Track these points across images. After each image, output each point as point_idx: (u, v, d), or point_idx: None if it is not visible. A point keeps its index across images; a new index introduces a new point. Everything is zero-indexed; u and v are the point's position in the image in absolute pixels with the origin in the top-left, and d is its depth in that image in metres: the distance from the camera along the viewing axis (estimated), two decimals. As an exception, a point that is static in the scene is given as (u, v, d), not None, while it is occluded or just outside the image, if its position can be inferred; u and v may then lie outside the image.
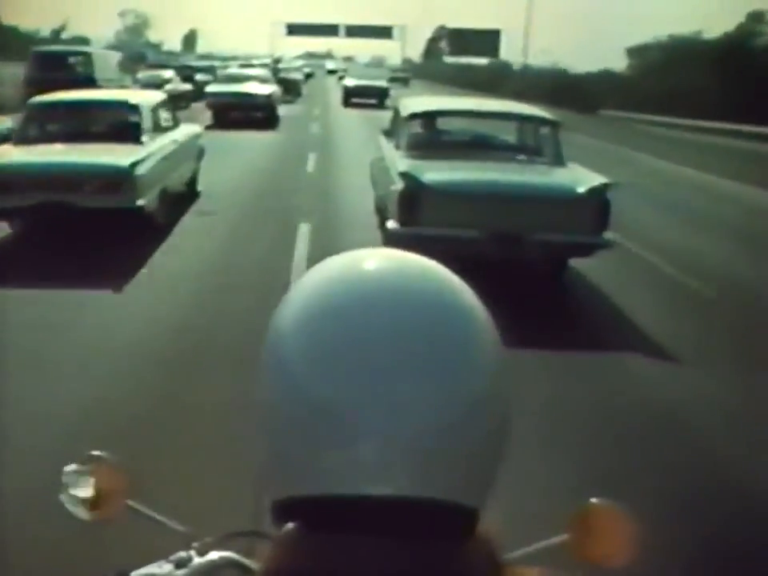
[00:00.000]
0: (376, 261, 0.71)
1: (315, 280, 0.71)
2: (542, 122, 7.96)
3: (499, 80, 52.78)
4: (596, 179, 6.73)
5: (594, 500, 0.98)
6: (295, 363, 0.65)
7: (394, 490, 0.63)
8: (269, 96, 22.51)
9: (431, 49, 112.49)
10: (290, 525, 0.66)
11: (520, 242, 6.47)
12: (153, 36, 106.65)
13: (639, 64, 45.06)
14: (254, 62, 43.09)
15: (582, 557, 0.96)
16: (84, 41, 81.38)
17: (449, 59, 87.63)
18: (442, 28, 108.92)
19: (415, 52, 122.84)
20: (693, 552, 3.17)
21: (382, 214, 7.76)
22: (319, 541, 0.64)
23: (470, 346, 0.66)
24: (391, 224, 6.70)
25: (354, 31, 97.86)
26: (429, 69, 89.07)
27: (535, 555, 0.99)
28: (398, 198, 6.56)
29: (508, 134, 8.63)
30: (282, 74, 36.06)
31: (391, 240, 6.94)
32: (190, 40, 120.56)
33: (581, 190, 6.49)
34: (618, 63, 48.80)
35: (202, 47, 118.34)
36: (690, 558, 3.13)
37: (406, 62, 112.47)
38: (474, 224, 6.43)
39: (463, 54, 75.31)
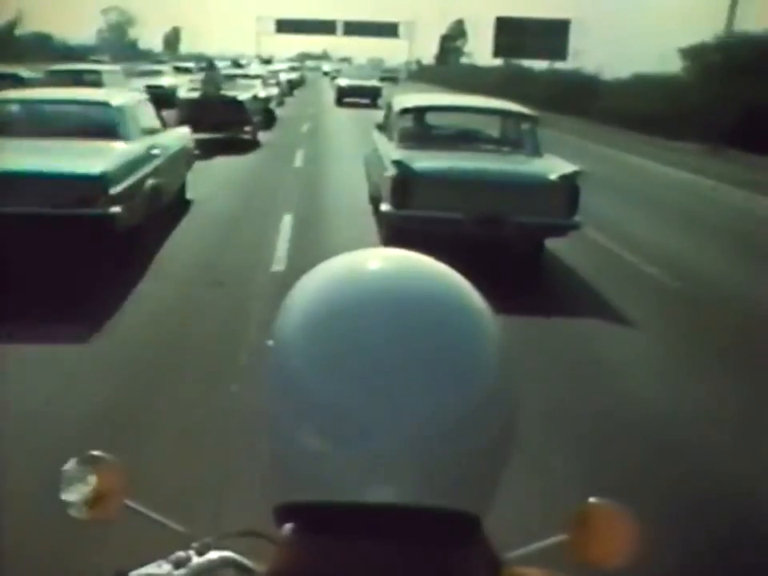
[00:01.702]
0: (379, 261, 0.70)
1: (318, 280, 0.70)
2: (522, 117, 8.78)
3: (581, 94, 31.50)
4: (567, 167, 7.53)
5: (593, 499, 0.98)
6: (298, 366, 0.64)
7: (396, 497, 0.63)
8: (96, 183, 6.13)
9: (446, 48, 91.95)
10: (293, 528, 0.66)
11: (500, 223, 7.25)
12: (137, 35, 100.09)
13: (699, 69, 30.99)
14: (219, 64, 25.21)
15: (581, 557, 0.96)
16: (46, 38, 67.84)
17: (472, 61, 68.25)
18: (459, 23, 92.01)
19: (428, 52, 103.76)
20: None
21: (376, 200, 8.55)
22: (321, 545, 0.64)
23: (474, 349, 0.66)
24: (384, 207, 7.50)
25: (354, 28, 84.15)
26: (446, 73, 66.56)
27: (534, 555, 0.99)
28: (391, 183, 7.36)
29: (491, 128, 9.44)
30: (227, 90, 17.10)
31: (384, 221, 7.78)
32: (171, 39, 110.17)
33: (553, 176, 7.30)
34: (656, 66, 33.33)
35: (185, 47, 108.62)
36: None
37: (411, 63, 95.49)
38: (459, 207, 7.21)
39: (515, 54, 52.06)
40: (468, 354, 0.65)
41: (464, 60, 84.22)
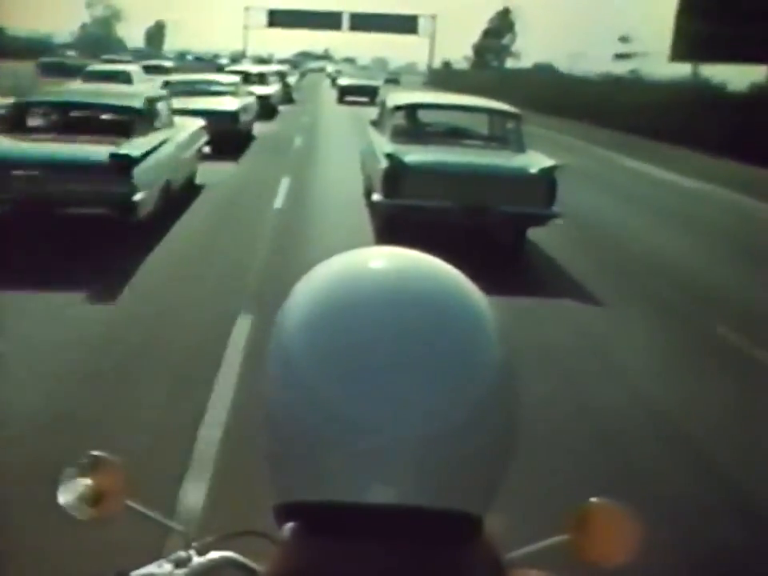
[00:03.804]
0: (381, 260, 0.70)
1: (321, 278, 0.70)
2: (507, 114, 9.37)
3: None
4: (547, 162, 8.11)
5: (594, 499, 0.99)
6: (299, 364, 0.65)
7: (397, 497, 0.62)
8: None
9: (487, 47, 72.15)
10: (293, 528, 0.66)
11: (484, 212, 7.83)
12: (126, 30, 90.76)
13: None
14: None
15: (582, 556, 0.97)
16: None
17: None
18: (505, 13, 71.95)
19: (454, 52, 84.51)
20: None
21: (369, 191, 9.13)
22: (321, 546, 0.64)
23: (475, 347, 0.65)
24: (376, 196, 8.09)
25: (363, 22, 67.32)
26: (503, 83, 42.74)
27: (535, 555, 1.00)
28: (383, 174, 7.94)
29: (478, 125, 10.03)
30: None
31: (376, 210, 8.37)
32: (154, 34, 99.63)
33: (533, 170, 7.89)
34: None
35: (171, 43, 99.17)
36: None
37: (432, 65, 75.64)
38: (446, 197, 7.78)
39: (715, 57, 28.19)
40: (469, 353, 0.65)
41: (510, 62, 65.60)
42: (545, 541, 1.04)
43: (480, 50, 73.75)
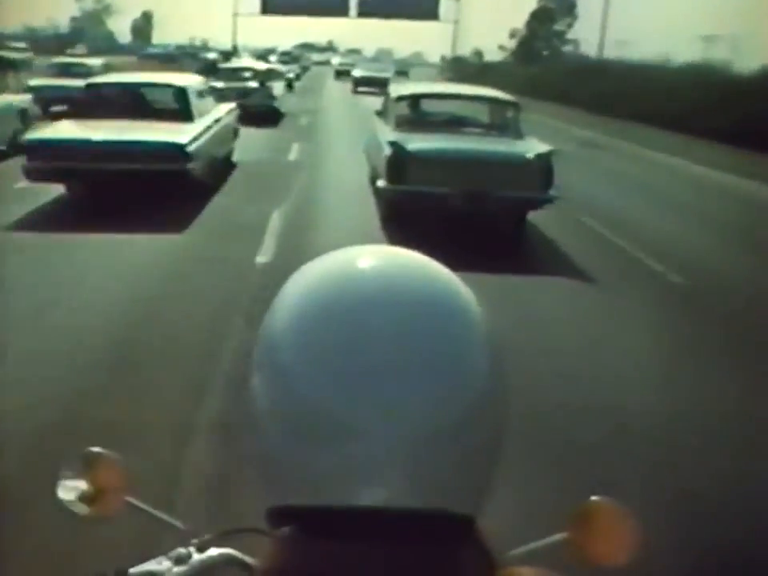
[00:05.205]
0: (371, 259, 0.69)
1: (309, 278, 0.69)
2: (505, 103, 9.74)
3: None
4: (543, 148, 8.49)
5: (594, 498, 0.99)
6: (289, 366, 0.64)
7: (389, 499, 0.63)
8: None
9: (535, 32, 59.19)
10: (287, 530, 0.66)
11: (484, 197, 8.21)
12: (120, 23, 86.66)
13: None
14: None
15: (581, 555, 0.97)
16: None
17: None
18: None
19: (481, 40, 75.10)
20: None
21: (374, 178, 9.53)
22: (315, 548, 0.64)
23: (466, 349, 0.66)
24: (380, 182, 8.49)
25: (374, 7, 57.28)
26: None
27: (535, 554, 1.00)
28: (386, 161, 8.33)
29: (478, 114, 10.41)
30: None
31: (380, 195, 8.77)
32: (142, 27, 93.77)
33: (530, 156, 8.27)
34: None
35: (160, 36, 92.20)
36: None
37: (450, 58, 67.08)
38: (448, 183, 8.15)
39: None
40: (459, 355, 0.65)
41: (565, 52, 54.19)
42: (544, 539, 1.04)
43: (525, 37, 59.92)
